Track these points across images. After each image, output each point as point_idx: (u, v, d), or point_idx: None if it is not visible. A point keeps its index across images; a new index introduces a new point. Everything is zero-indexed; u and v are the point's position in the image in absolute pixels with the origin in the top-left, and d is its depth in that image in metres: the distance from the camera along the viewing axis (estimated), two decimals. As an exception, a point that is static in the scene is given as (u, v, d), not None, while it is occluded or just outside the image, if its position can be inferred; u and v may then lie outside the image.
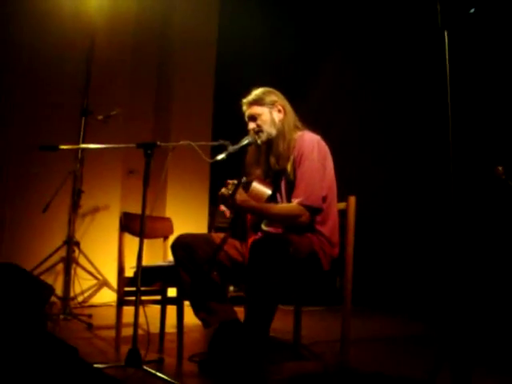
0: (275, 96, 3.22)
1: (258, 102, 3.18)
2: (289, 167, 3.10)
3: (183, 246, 3.03)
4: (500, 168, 3.25)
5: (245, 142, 3.09)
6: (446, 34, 2.19)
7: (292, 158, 3.10)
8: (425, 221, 5.87)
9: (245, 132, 3.18)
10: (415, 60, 5.83)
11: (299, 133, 3.17)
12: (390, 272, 5.99)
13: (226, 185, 3.05)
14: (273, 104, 3.19)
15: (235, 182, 3.00)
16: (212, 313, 2.99)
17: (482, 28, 4.65)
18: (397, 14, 5.87)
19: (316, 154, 3.06)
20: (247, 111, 3.21)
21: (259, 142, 3.16)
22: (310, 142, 3.10)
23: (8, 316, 2.72)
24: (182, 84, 6.15)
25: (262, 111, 3.17)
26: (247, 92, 3.25)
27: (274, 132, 3.15)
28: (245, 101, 3.23)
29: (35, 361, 2.08)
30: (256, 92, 3.22)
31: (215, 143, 3.11)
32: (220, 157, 2.97)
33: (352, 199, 3.16)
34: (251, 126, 3.18)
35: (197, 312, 3.03)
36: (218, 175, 5.93)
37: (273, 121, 3.16)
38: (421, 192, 5.92)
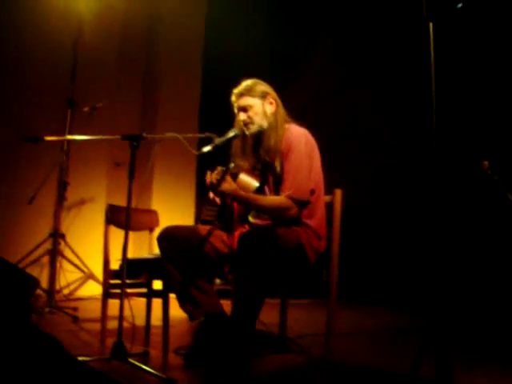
0: (266, 88, 3.19)
1: (249, 92, 3.13)
2: (277, 161, 3.08)
3: (168, 237, 3.03)
4: (485, 163, 3.27)
5: (231, 134, 3.07)
6: (431, 25, 2.19)
7: (280, 151, 3.08)
8: (410, 213, 5.91)
9: (231, 124, 3.16)
10: (402, 52, 5.86)
11: (286, 125, 3.16)
12: (376, 265, 6.02)
13: (214, 170, 3.03)
14: (264, 96, 3.15)
15: (223, 168, 2.97)
16: (197, 305, 2.98)
17: (468, 20, 4.66)
18: (384, 5, 5.88)
19: (303, 146, 3.05)
20: (237, 102, 3.16)
21: (248, 133, 3.13)
22: (298, 135, 3.09)
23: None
24: (168, 76, 6.13)
25: (253, 103, 3.12)
26: (235, 84, 3.22)
27: (265, 124, 3.12)
28: (235, 91, 3.17)
29: (19, 353, 2.07)
30: (247, 83, 3.18)
31: (201, 135, 3.09)
32: (206, 149, 2.95)
33: (338, 192, 3.17)
34: (242, 117, 3.13)
35: (182, 304, 3.02)
36: (205, 167, 5.93)
37: (265, 113, 3.13)
38: (406, 185, 5.95)
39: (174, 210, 5.59)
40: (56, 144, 4.89)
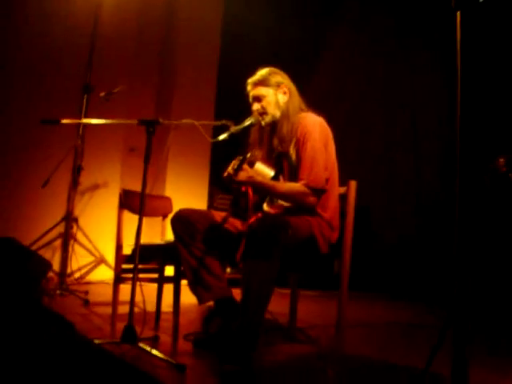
0: (281, 77, 3.19)
1: (263, 82, 3.14)
2: (291, 149, 3.08)
3: (182, 219, 3.03)
4: (501, 160, 3.23)
5: (247, 122, 3.06)
6: (458, 15, 2.15)
7: (295, 139, 3.07)
8: (423, 206, 5.88)
9: (248, 112, 3.15)
10: (423, 43, 5.80)
11: (303, 114, 3.15)
12: (390, 258, 6.00)
13: (230, 163, 3.03)
14: (278, 85, 3.15)
15: (240, 157, 2.96)
16: (207, 289, 2.98)
17: (495, 12, 4.60)
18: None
19: (318, 134, 3.05)
20: (252, 91, 3.17)
21: (263, 123, 3.14)
22: (313, 123, 3.08)
23: (5, 289, 2.72)
24: (185, 62, 6.12)
25: (267, 92, 3.13)
26: (251, 72, 3.21)
27: (278, 114, 3.12)
28: (250, 81, 3.18)
29: (31, 335, 2.08)
30: (261, 72, 3.18)
31: (218, 123, 3.07)
32: (222, 137, 2.95)
33: (353, 184, 3.15)
34: (255, 107, 3.15)
35: (192, 287, 3.02)
36: (219, 155, 5.93)
37: (277, 103, 3.14)
38: (421, 177, 5.92)
39: (187, 197, 5.59)
40: (71, 128, 4.90)
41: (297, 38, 6.39)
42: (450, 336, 2.04)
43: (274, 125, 3.15)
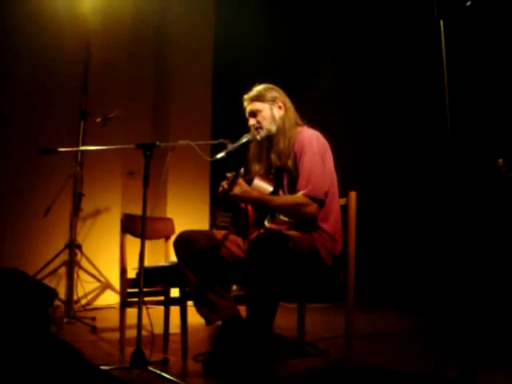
0: (276, 92, 3.22)
1: (258, 98, 3.18)
2: (290, 163, 3.09)
3: (184, 242, 3.04)
4: (500, 160, 3.25)
5: (244, 140, 3.08)
6: (441, 23, 2.18)
7: (292, 154, 3.09)
8: (426, 214, 5.87)
9: (244, 130, 3.17)
10: (413, 52, 5.84)
11: (299, 128, 3.17)
12: (393, 266, 5.99)
13: (225, 178, 3.04)
14: (273, 100, 3.19)
15: (233, 173, 2.97)
16: (214, 309, 2.98)
17: (479, 17, 4.63)
18: (393, 4, 5.87)
19: (316, 147, 3.06)
20: (248, 107, 3.22)
21: (258, 137, 3.17)
22: (309, 136, 3.10)
23: (12, 321, 2.72)
24: (179, 84, 6.14)
25: (262, 107, 3.17)
26: (245, 90, 3.25)
27: (273, 128, 3.15)
28: (246, 97, 3.23)
29: (41, 365, 2.08)
30: (257, 88, 3.22)
31: (214, 142, 3.10)
32: (219, 155, 2.96)
33: (353, 194, 3.15)
34: (251, 122, 3.18)
35: (199, 308, 3.02)
36: (219, 174, 5.93)
37: (273, 117, 3.16)
38: (422, 186, 5.92)
39: (188, 217, 5.58)
40: (70, 155, 4.92)
41: (290, 54, 6.42)
42: (457, 340, 2.04)
43: (270, 140, 3.17)
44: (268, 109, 3.17)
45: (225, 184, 2.94)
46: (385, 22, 6.08)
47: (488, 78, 5.32)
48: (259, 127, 3.16)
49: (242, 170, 3.02)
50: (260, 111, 3.17)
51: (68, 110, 5.30)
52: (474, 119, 5.27)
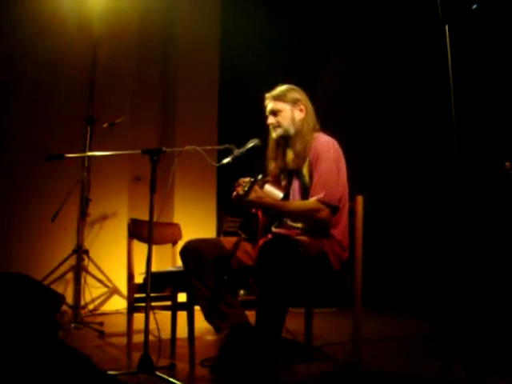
0: (299, 94, 3.21)
1: (280, 97, 3.17)
2: (305, 169, 3.10)
3: (191, 252, 3.02)
4: (507, 163, 3.24)
5: (250, 145, 3.07)
6: (447, 28, 2.18)
7: (308, 159, 3.09)
8: (432, 219, 5.86)
9: (250, 135, 3.17)
10: (419, 56, 5.83)
11: (316, 134, 3.17)
12: (400, 271, 5.98)
13: (237, 185, 3.05)
14: (295, 102, 3.18)
15: (251, 179, 2.98)
16: (224, 318, 2.97)
17: (484, 21, 4.63)
18: (398, 9, 5.86)
19: (332, 154, 3.06)
20: (269, 105, 3.20)
21: (274, 135, 3.17)
22: (326, 143, 3.11)
23: (19, 326, 2.72)
24: (186, 89, 6.16)
25: (283, 108, 3.16)
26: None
27: (292, 130, 3.15)
28: (268, 95, 3.22)
29: (49, 370, 2.09)
30: (281, 88, 3.22)
31: (221, 147, 3.10)
32: (226, 160, 2.97)
33: (359, 199, 3.15)
34: (270, 120, 3.18)
35: (209, 318, 3.02)
36: (225, 179, 5.94)
37: (293, 119, 3.16)
38: (428, 191, 5.91)
39: (195, 222, 5.59)
40: (77, 161, 4.93)
41: (296, 56, 6.43)
42: (465, 344, 2.04)
43: (287, 141, 3.16)
44: (289, 110, 3.17)
45: (240, 189, 2.95)
46: (390, 28, 6.07)
47: (494, 82, 5.31)
48: (277, 126, 3.16)
49: (260, 176, 3.02)
50: (281, 111, 3.16)
51: (75, 115, 5.33)
52: (480, 122, 5.26)
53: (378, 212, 4.98)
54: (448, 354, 2.08)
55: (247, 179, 3.03)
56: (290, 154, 3.13)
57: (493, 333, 3.89)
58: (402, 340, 4.12)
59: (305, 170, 3.10)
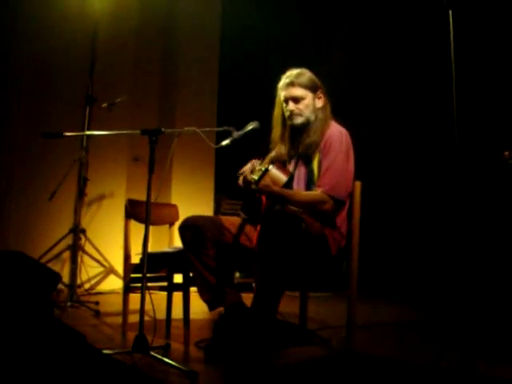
0: (318, 81, 3.19)
1: (303, 84, 3.12)
2: (315, 156, 3.10)
3: (191, 228, 3.03)
4: (506, 153, 3.25)
5: (249, 127, 3.05)
6: (450, 13, 2.16)
7: (320, 147, 3.09)
8: (430, 207, 5.86)
9: (249, 118, 3.15)
10: (419, 43, 5.80)
11: (329, 122, 3.17)
12: (396, 257, 5.99)
13: (245, 170, 3.05)
14: (316, 90, 3.16)
15: (262, 168, 2.98)
16: (217, 295, 2.99)
17: (488, 8, 4.60)
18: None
19: (344, 146, 3.06)
20: (287, 90, 3.14)
21: (295, 123, 3.13)
22: (339, 134, 3.10)
23: (16, 304, 2.73)
24: (186, 70, 6.13)
25: (305, 95, 3.13)
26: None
27: (312, 118, 3.13)
28: (286, 80, 3.15)
29: (43, 347, 2.09)
30: (299, 72, 3.16)
31: (220, 129, 3.09)
32: (225, 142, 2.96)
33: (358, 184, 3.15)
34: (291, 107, 3.13)
35: (202, 294, 3.03)
36: (223, 161, 5.94)
37: (314, 107, 3.14)
38: (426, 179, 5.91)
39: (193, 203, 5.60)
40: (75, 140, 4.92)
41: (296, 45, 6.39)
42: (458, 331, 2.05)
43: (304, 127, 3.14)
44: (311, 98, 3.14)
45: (248, 175, 2.95)
46: (392, 13, 6.04)
47: (495, 71, 5.29)
48: (299, 114, 3.13)
49: (271, 166, 3.02)
50: (303, 98, 3.12)
51: (74, 94, 5.30)
52: (480, 112, 5.25)
53: (375, 199, 4.99)
54: (442, 341, 2.10)
55: (257, 166, 3.03)
56: (305, 141, 3.11)
57: (485, 320, 3.91)
58: (397, 326, 4.14)
59: (315, 158, 3.10)
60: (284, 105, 3.17)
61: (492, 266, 5.02)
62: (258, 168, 3.01)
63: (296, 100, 3.12)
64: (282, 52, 6.23)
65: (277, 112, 3.23)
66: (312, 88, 3.14)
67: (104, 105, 4.89)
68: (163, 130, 2.88)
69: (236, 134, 2.98)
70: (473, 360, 1.97)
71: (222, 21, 6.32)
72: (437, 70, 4.20)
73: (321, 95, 3.17)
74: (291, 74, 3.16)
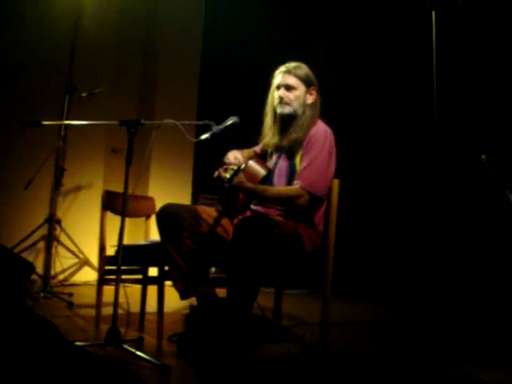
0: (314, 78, 3.20)
1: (299, 75, 3.14)
2: (298, 152, 3.11)
3: (168, 216, 3.01)
4: (483, 156, 3.29)
5: (229, 122, 3.05)
6: (433, 14, 2.18)
7: (304, 143, 3.09)
8: (407, 207, 5.91)
9: (229, 112, 3.14)
10: (401, 44, 5.84)
11: (316, 121, 3.17)
12: (373, 256, 6.03)
13: (222, 165, 3.05)
14: (310, 85, 3.17)
15: (234, 167, 2.98)
16: (190, 285, 2.98)
17: (472, 9, 4.63)
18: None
19: (327, 145, 3.07)
20: (282, 77, 3.16)
21: (279, 111, 3.13)
22: (324, 132, 3.11)
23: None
24: (167, 62, 6.10)
25: (298, 86, 3.14)
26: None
27: (299, 112, 3.13)
28: (284, 68, 3.18)
29: (15, 337, 2.07)
30: (298, 65, 3.19)
31: (200, 123, 3.07)
32: (204, 136, 2.95)
33: (335, 182, 3.16)
34: (282, 93, 3.13)
35: (175, 282, 3.01)
36: (202, 155, 5.92)
37: (304, 101, 3.15)
38: (404, 179, 5.95)
39: (170, 197, 5.47)
40: (53, 129, 4.87)
41: (279, 44, 6.39)
42: (430, 330, 2.07)
43: (290, 120, 3.14)
44: (303, 91, 3.15)
45: (222, 171, 2.95)
46: (375, 13, 6.06)
47: (474, 75, 5.34)
48: (287, 103, 3.13)
49: (244, 165, 3.03)
50: (295, 89, 3.13)
51: (54, 83, 5.24)
52: (459, 115, 5.29)
53: (353, 197, 5.01)
54: (414, 340, 2.11)
55: (231, 165, 3.03)
56: (289, 136, 3.12)
57: (460, 320, 3.95)
58: (369, 324, 4.17)
59: (298, 154, 3.10)
60: (276, 91, 3.18)
61: (468, 267, 5.08)
62: (230, 167, 3.01)
63: (288, 88, 3.14)
64: (264, 48, 6.22)
65: (270, 99, 3.24)
66: (306, 82, 3.16)
67: (83, 94, 4.86)
68: (142, 121, 2.85)
69: (216, 129, 2.97)
70: (444, 360, 1.99)
71: (206, 14, 6.29)
72: (418, 71, 4.23)
73: (313, 92, 3.18)
74: (290, 64, 3.19)
